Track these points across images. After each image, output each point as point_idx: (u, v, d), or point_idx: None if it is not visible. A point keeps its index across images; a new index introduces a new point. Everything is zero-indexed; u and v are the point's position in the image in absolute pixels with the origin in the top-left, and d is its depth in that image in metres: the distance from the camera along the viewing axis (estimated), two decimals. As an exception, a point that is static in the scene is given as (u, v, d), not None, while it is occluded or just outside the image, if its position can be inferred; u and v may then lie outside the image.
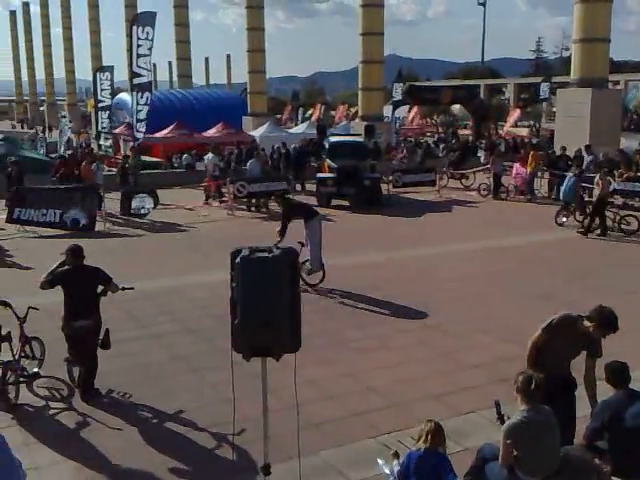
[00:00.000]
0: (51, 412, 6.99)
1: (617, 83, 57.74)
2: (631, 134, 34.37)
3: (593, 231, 16.07)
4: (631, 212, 17.21)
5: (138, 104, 19.46)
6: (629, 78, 67.33)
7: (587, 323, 5.29)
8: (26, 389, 7.29)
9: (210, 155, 22.53)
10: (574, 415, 5.49)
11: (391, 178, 22.71)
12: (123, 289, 7.38)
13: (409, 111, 44.75)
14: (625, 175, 19.86)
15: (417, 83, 59.36)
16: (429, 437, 4.55)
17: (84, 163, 19.75)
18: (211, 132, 30.63)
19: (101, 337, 7.23)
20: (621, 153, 23.06)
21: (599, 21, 25.13)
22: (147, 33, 18.82)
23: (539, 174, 22.23)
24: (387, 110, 36.35)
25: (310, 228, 11.55)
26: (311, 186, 21.97)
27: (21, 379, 7.13)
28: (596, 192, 16.14)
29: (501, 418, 4.81)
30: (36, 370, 7.47)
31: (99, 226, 17.00)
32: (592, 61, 25.31)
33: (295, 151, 25.59)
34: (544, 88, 41.63)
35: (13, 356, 7.11)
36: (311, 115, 52.17)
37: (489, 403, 6.82)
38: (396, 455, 4.92)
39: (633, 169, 20.85)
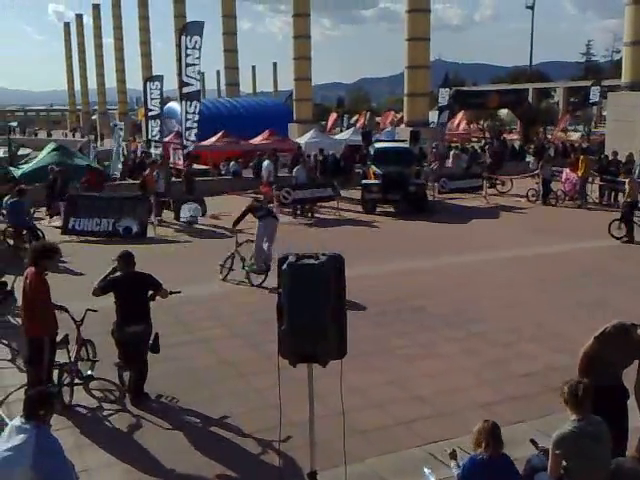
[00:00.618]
0: (102, 415, 7.15)
1: (671, 85, 56.18)
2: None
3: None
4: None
5: (187, 113, 19.78)
6: (684, 80, 65.36)
7: None
8: (81, 391, 7.44)
9: (267, 162, 22.75)
10: (626, 426, 5.36)
11: (437, 184, 22.57)
12: (171, 293, 7.53)
13: (455, 116, 44.35)
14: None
15: (464, 88, 58.86)
16: (490, 441, 4.36)
17: (148, 170, 19.96)
18: (257, 140, 30.92)
19: (151, 341, 7.38)
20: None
21: (652, 22, 24.57)
22: (195, 42, 19.15)
23: (590, 179, 21.76)
24: (433, 115, 36.14)
25: (268, 226, 12.32)
26: (356, 192, 21.95)
27: (76, 381, 7.31)
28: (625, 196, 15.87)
29: (543, 451, 4.72)
30: (90, 373, 7.63)
31: (150, 233, 17.32)
32: (645, 64, 24.74)
33: (333, 157, 25.75)
34: (594, 92, 40.68)
35: (69, 358, 7.31)
36: (356, 121, 52.15)
37: (539, 413, 6.77)
38: (453, 455, 4.83)
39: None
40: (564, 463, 4.42)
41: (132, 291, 7.18)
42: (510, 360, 8.48)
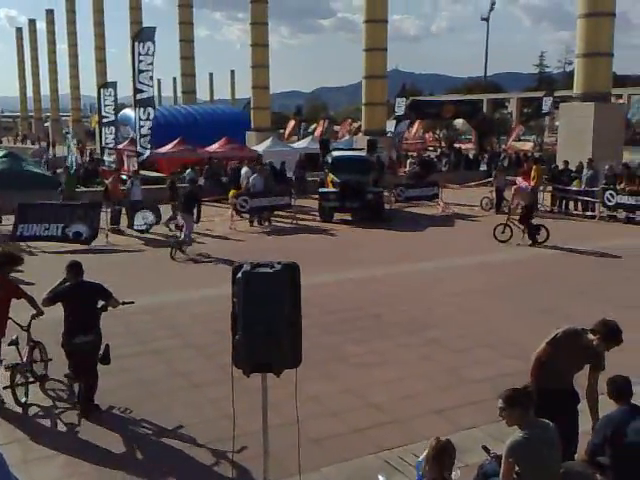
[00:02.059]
0: (51, 429, 6.97)
1: (620, 97, 57.89)
2: (634, 148, 34.43)
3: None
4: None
5: (141, 119, 19.55)
6: (632, 92, 67.50)
7: (591, 336, 5.27)
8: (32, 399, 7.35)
9: (245, 169, 22.55)
10: (577, 430, 5.45)
11: (394, 192, 22.75)
12: (123, 303, 7.39)
13: (412, 126, 44.85)
14: (628, 189, 19.85)
15: (420, 98, 59.58)
16: (434, 465, 4.27)
17: (111, 179, 19.63)
18: (214, 147, 30.73)
19: (101, 352, 7.22)
20: (625, 167, 23.09)
21: (602, 35, 25.26)
22: (148, 48, 18.98)
23: (542, 188, 22.23)
24: (390, 125, 36.49)
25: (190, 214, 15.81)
26: (311, 201, 21.98)
27: (30, 379, 7.45)
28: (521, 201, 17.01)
29: (496, 457, 4.76)
30: (44, 372, 7.81)
31: (101, 241, 17.01)
32: (595, 75, 25.40)
33: (283, 167, 26.00)
34: (547, 102, 41.71)
35: (21, 359, 7.38)
36: (314, 130, 52.31)
37: (491, 418, 6.81)
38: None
39: (637, 182, 20.82)
40: (516, 468, 4.46)
41: (80, 301, 7.01)
42: (464, 366, 8.55)
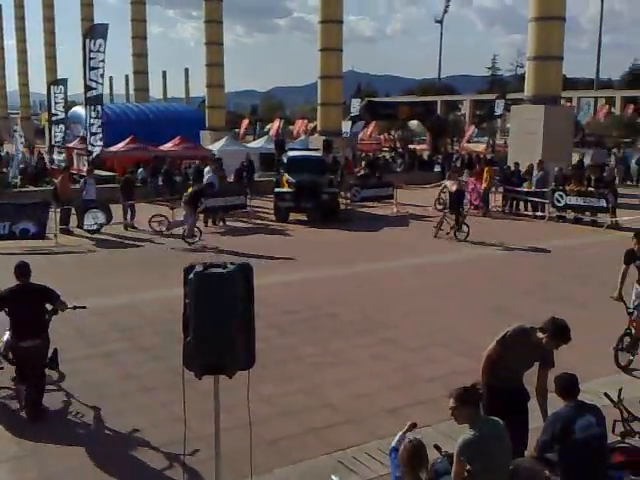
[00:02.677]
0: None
1: (570, 100, 59.38)
2: (583, 150, 35.31)
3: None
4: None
5: (91, 117, 19.17)
6: (581, 95, 69.34)
7: (540, 334, 5.35)
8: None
9: (207, 168, 22.21)
10: (527, 427, 5.53)
11: (349, 193, 22.84)
12: (75, 308, 7.22)
13: (367, 126, 45.12)
14: (576, 189, 20.35)
15: (375, 99, 60.04)
16: (408, 467, 4.44)
17: (60, 177, 19.20)
18: (168, 146, 30.29)
19: (49, 356, 7.04)
20: (574, 168, 23.67)
21: (552, 39, 25.78)
22: (99, 45, 18.61)
23: (493, 189, 22.62)
24: (346, 125, 36.63)
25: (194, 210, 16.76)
26: (263, 202, 21.90)
27: None
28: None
29: (447, 455, 4.81)
30: None
31: (50, 241, 16.61)
32: (545, 78, 25.92)
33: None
34: (499, 105, 42.51)
35: None
36: (269, 129, 52.16)
37: (443, 416, 6.88)
38: None
39: (585, 184, 21.37)
40: (468, 467, 4.50)
41: (25, 304, 6.81)
42: (418, 365, 8.63)
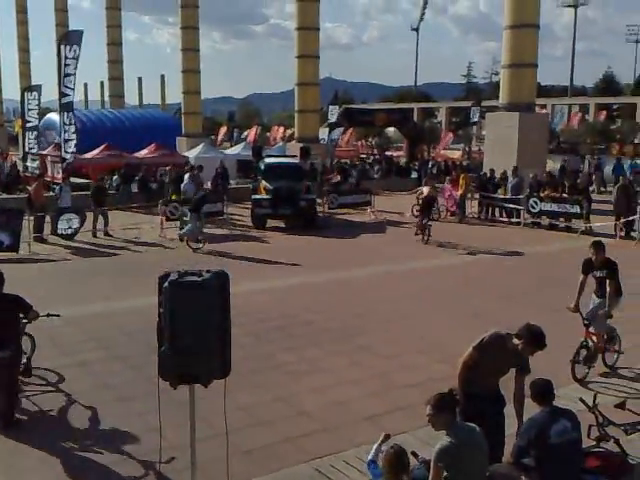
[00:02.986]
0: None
1: (544, 107, 60.13)
2: (557, 156, 35.76)
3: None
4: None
5: (65, 124, 18.98)
6: (556, 102, 70.31)
7: (516, 341, 5.38)
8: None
9: (187, 175, 22.06)
10: (503, 433, 5.55)
11: (326, 199, 22.87)
12: (48, 315, 7.11)
13: (344, 133, 45.25)
14: (551, 196, 20.57)
15: (352, 106, 60.22)
16: (391, 472, 4.43)
17: (34, 185, 19.00)
18: (143, 153, 30.10)
19: (22, 365, 6.93)
20: (548, 175, 23.96)
21: (527, 46, 26.07)
22: (74, 52, 18.45)
23: (469, 196, 22.80)
24: (323, 132, 36.71)
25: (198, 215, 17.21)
26: (240, 209, 21.83)
27: None
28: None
29: (424, 462, 4.81)
30: None
31: (24, 250, 16.38)
32: (520, 86, 26.21)
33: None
34: (474, 112, 42.89)
35: None
36: (247, 136, 52.09)
37: (422, 423, 6.88)
38: None
39: (559, 190, 21.62)
40: (445, 473, 4.50)
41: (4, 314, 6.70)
42: (394, 371, 8.63)
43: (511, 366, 5.56)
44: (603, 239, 15.53)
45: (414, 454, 5.02)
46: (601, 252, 8.51)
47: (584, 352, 8.41)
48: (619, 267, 8.59)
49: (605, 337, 8.60)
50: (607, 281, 8.48)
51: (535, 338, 5.31)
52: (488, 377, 5.55)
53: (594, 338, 8.52)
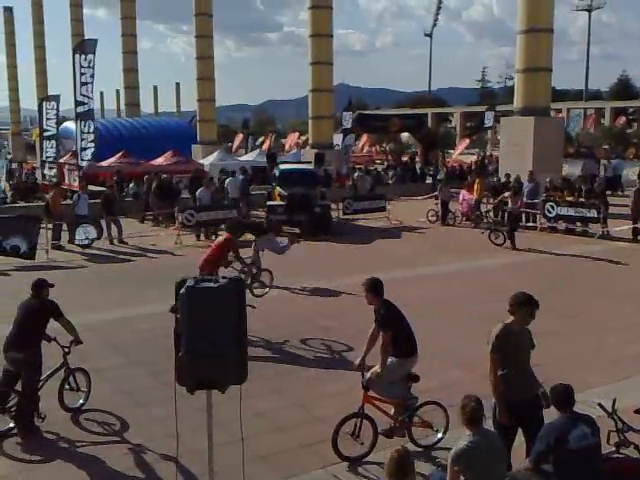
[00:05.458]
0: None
1: (559, 111, 59.83)
2: (574, 161, 35.52)
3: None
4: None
5: (82, 132, 19.17)
6: (571, 106, 69.89)
7: (511, 318, 5.65)
8: None
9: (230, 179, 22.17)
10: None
11: (341, 205, 22.88)
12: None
13: (359, 139, 45.26)
14: (568, 201, 20.43)
15: (366, 111, 60.27)
16: (394, 474, 4.10)
17: (52, 193, 19.19)
18: (159, 160, 30.27)
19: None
20: (564, 180, 23.81)
21: (541, 51, 25.96)
22: (89, 61, 18.64)
23: (485, 200, 22.70)
24: (337, 138, 36.74)
25: None
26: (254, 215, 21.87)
27: None
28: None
29: (442, 466, 4.79)
30: None
31: (42, 257, 16.54)
32: (534, 90, 26.08)
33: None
34: (488, 116, 42.70)
35: None
36: (262, 143, 52.27)
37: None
38: None
39: (575, 195, 21.47)
40: (462, 478, 4.49)
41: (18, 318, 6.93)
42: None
43: (528, 347, 5.73)
44: (621, 244, 15.39)
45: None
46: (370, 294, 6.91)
47: (354, 423, 6.46)
48: None
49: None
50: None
51: (524, 299, 5.65)
52: (521, 368, 5.61)
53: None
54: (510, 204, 18.24)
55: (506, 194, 19.27)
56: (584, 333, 9.97)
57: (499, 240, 18.19)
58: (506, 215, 18.64)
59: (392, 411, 6.58)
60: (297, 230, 20.66)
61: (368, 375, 6.47)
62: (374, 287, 6.81)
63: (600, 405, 5.70)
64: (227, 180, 23.41)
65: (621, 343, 9.74)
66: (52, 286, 7.39)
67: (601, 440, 5.03)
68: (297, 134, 57.04)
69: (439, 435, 6.62)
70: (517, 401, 5.47)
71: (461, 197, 22.85)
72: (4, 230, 16.25)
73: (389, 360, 6.43)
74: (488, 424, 5.57)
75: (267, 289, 12.39)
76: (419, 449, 6.49)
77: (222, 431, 6.20)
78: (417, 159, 40.89)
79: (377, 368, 6.43)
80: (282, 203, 20.38)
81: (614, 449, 5.54)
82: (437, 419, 6.66)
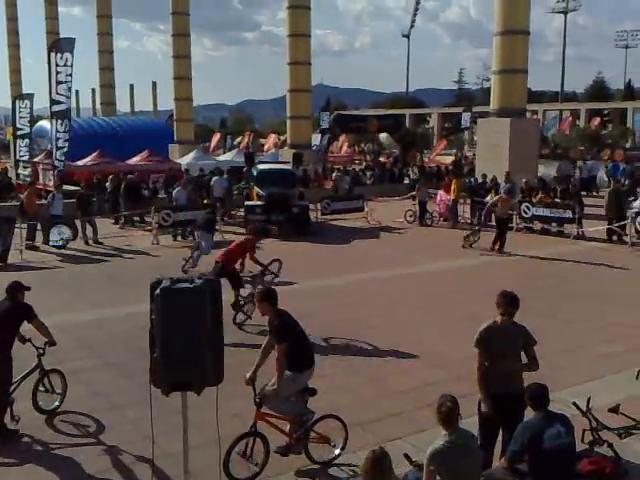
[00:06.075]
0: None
1: (535, 113, 60.45)
2: (549, 162, 35.87)
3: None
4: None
5: (57, 132, 18.94)
6: (547, 108, 70.65)
7: (499, 317, 5.74)
8: None
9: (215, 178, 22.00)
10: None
11: (320, 205, 22.87)
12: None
13: (337, 139, 45.26)
14: (543, 201, 20.62)
15: (344, 112, 60.30)
16: (369, 474, 4.04)
17: (26, 192, 18.95)
18: (135, 160, 30.03)
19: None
20: (540, 180, 24.02)
21: (517, 52, 26.20)
22: (66, 59, 18.45)
23: (461, 201, 22.83)
24: (315, 138, 36.74)
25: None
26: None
27: None
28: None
29: (417, 465, 4.80)
30: None
31: (16, 257, 16.29)
32: (511, 91, 26.32)
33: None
34: (465, 118, 43.02)
35: None
36: (239, 143, 52.06)
37: (415, 428, 6.89)
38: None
39: (551, 195, 21.67)
40: (438, 477, 4.49)
41: None
42: (388, 377, 8.61)
43: (521, 342, 5.71)
44: (595, 244, 15.53)
45: (407, 457, 5.01)
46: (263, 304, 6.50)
47: (245, 444, 6.05)
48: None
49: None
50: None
51: (508, 298, 5.80)
52: (505, 361, 5.61)
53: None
54: (499, 207, 18.02)
55: (496, 198, 19.04)
56: (559, 333, 10.07)
57: (473, 239, 18.30)
58: (495, 220, 18.30)
59: (287, 427, 6.19)
60: (275, 230, 20.65)
61: (265, 391, 6.10)
62: (268, 297, 6.37)
63: (575, 404, 5.76)
64: (213, 179, 23.26)
65: (596, 342, 9.87)
66: (28, 289, 7.24)
67: (576, 439, 5.07)
68: (276, 135, 56.93)
69: (336, 451, 6.27)
70: (501, 395, 5.48)
71: (438, 198, 22.96)
72: None
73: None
74: (473, 419, 5.61)
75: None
76: (316, 466, 6.25)
77: (198, 433, 6.15)
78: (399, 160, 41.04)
79: (274, 383, 6.09)
80: (260, 203, 20.31)
81: (589, 447, 5.59)
82: (335, 434, 6.31)
